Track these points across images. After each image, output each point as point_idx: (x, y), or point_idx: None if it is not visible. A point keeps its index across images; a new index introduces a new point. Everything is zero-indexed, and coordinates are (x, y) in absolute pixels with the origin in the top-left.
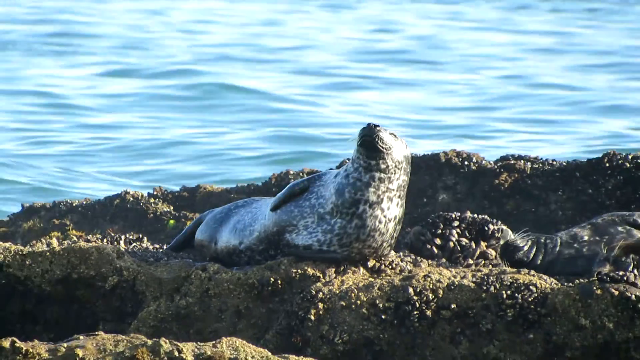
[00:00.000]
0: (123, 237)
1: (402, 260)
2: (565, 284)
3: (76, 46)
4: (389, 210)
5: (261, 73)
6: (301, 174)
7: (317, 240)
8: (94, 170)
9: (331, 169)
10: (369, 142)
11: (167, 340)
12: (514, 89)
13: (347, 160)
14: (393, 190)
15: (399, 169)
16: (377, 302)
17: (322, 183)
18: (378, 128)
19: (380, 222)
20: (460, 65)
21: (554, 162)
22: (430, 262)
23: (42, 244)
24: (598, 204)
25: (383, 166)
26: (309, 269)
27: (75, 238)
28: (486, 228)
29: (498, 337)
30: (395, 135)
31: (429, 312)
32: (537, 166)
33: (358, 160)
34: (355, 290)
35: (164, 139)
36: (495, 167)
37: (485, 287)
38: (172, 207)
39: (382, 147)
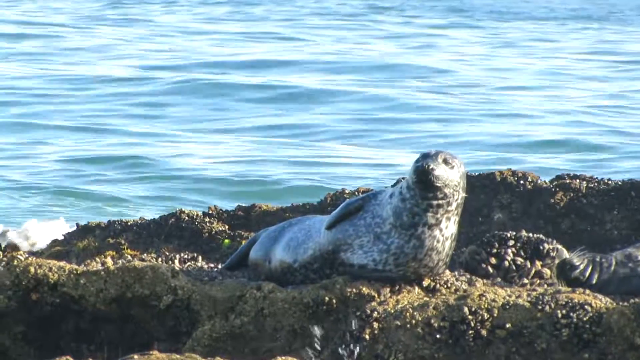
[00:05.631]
0: (178, 256)
1: (457, 280)
2: (620, 303)
3: None
4: (447, 229)
5: None
6: (357, 192)
7: (372, 260)
8: None
9: (386, 187)
10: (425, 181)
11: None
12: None
13: (403, 179)
14: (452, 210)
15: (456, 191)
16: (432, 321)
17: (378, 202)
18: (432, 167)
19: (438, 241)
20: None
21: (610, 182)
22: (485, 281)
23: (97, 263)
24: None
25: (440, 195)
26: (364, 288)
27: (129, 257)
28: (541, 247)
29: (553, 357)
30: (447, 161)
31: (483, 332)
32: (592, 185)
33: (414, 190)
34: (410, 309)
35: None
36: (551, 186)
37: (540, 307)
38: (227, 226)
39: (439, 185)
